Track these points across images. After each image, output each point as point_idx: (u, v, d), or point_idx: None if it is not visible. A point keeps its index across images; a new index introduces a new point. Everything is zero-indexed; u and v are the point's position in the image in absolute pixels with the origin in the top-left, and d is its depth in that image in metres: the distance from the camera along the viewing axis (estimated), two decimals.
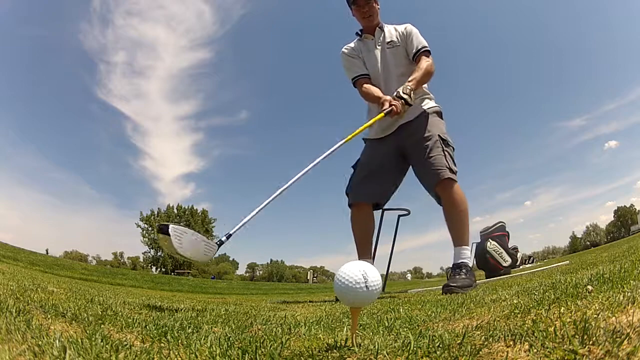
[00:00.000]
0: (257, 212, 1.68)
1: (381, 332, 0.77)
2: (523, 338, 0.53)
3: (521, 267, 8.28)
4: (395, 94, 2.19)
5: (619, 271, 1.03)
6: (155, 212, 44.25)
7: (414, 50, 2.36)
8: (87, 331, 0.69)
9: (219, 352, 0.58)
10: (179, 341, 0.68)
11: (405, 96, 2.15)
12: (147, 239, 43.32)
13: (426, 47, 2.36)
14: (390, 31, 2.45)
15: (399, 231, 3.39)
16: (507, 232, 5.38)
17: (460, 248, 2.14)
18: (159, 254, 43.29)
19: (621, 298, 0.64)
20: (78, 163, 69.73)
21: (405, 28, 2.43)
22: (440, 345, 0.56)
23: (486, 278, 4.60)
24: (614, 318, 0.54)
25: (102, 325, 0.79)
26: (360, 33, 2.53)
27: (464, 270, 2.05)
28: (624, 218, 51.19)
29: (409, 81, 2.21)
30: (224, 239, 1.57)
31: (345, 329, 0.84)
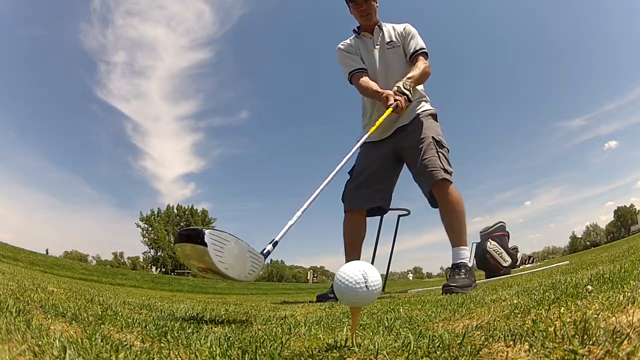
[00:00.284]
0: (301, 213, 1.44)
1: (381, 332, 0.77)
2: (523, 338, 0.53)
3: (521, 267, 8.30)
4: (396, 88, 2.16)
5: (619, 271, 1.03)
6: (155, 212, 44.36)
7: (411, 51, 2.36)
8: (87, 331, 0.69)
9: (219, 352, 0.58)
10: (179, 341, 0.68)
11: (407, 92, 2.14)
12: (147, 239, 43.43)
13: (424, 48, 2.36)
14: (390, 31, 2.43)
15: (399, 231, 3.40)
16: (507, 232, 5.39)
17: (459, 248, 2.13)
18: (159, 254, 43.35)
19: (621, 298, 0.64)
20: (78, 163, 69.62)
21: (405, 28, 2.42)
22: (440, 345, 0.56)
23: (486, 278, 4.60)
24: (614, 318, 0.54)
25: (102, 325, 0.79)
26: (357, 30, 2.48)
27: (463, 270, 2.05)
28: (624, 218, 51.21)
29: (408, 78, 2.21)
30: (270, 247, 1.23)
31: (345, 329, 0.84)
